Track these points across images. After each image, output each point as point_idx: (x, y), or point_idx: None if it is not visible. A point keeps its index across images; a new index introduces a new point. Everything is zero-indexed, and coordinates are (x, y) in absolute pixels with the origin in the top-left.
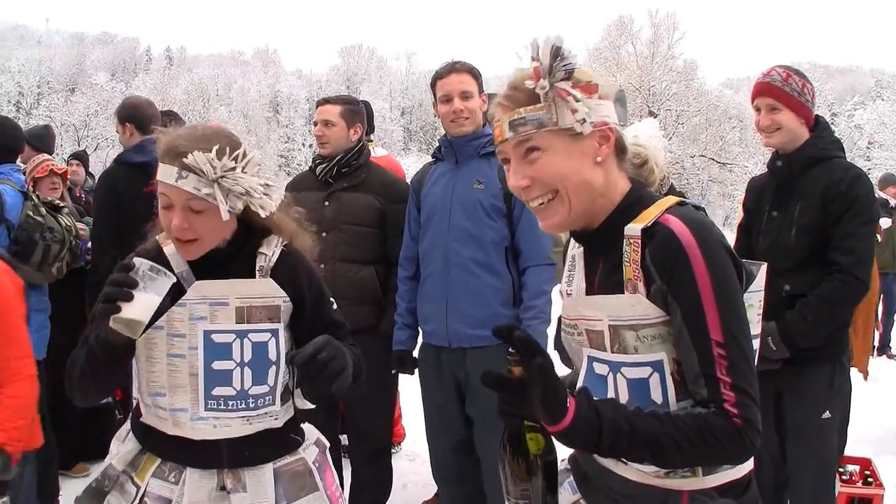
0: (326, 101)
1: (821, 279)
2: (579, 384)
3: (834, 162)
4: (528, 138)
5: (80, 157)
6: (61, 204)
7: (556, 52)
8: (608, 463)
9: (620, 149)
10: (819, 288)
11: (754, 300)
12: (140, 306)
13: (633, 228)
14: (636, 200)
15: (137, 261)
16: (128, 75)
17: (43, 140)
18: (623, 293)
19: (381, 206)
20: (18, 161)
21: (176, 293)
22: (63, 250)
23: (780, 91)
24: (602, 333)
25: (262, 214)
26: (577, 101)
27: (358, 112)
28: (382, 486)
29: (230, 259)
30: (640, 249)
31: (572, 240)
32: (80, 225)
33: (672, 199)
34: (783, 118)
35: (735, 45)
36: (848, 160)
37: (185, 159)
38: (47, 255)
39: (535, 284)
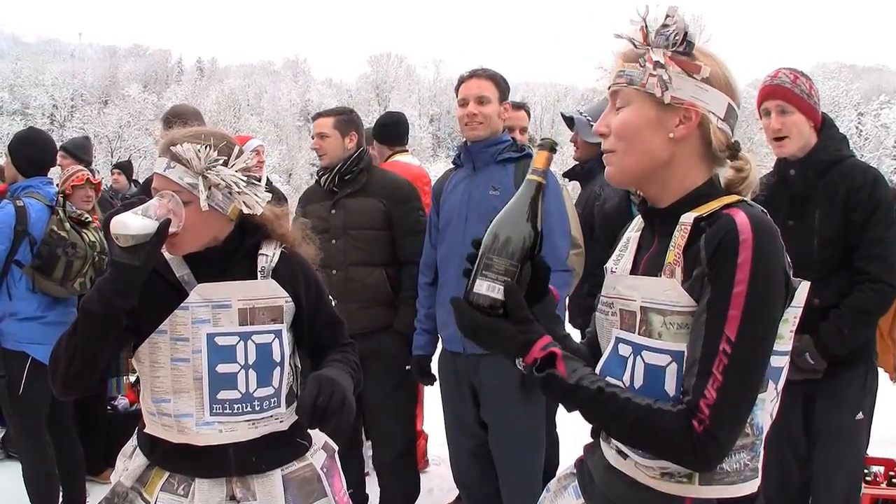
0: (319, 115)
1: (846, 286)
2: (600, 364)
3: (849, 163)
4: (619, 90)
5: (123, 167)
6: (88, 218)
7: (663, 25)
8: (615, 461)
9: (707, 141)
10: (852, 298)
11: (789, 315)
12: (137, 224)
13: (688, 216)
14: (706, 193)
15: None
16: (160, 87)
17: (86, 150)
18: (660, 276)
19: (386, 208)
20: (55, 169)
21: (178, 297)
22: (85, 266)
23: (791, 93)
24: (634, 314)
25: (246, 211)
26: (662, 67)
27: (351, 121)
28: (408, 490)
29: (227, 259)
30: (686, 236)
31: (632, 223)
32: None
33: (735, 197)
34: (795, 121)
35: (761, 46)
36: (858, 158)
37: (173, 148)
38: (69, 270)
39: None
